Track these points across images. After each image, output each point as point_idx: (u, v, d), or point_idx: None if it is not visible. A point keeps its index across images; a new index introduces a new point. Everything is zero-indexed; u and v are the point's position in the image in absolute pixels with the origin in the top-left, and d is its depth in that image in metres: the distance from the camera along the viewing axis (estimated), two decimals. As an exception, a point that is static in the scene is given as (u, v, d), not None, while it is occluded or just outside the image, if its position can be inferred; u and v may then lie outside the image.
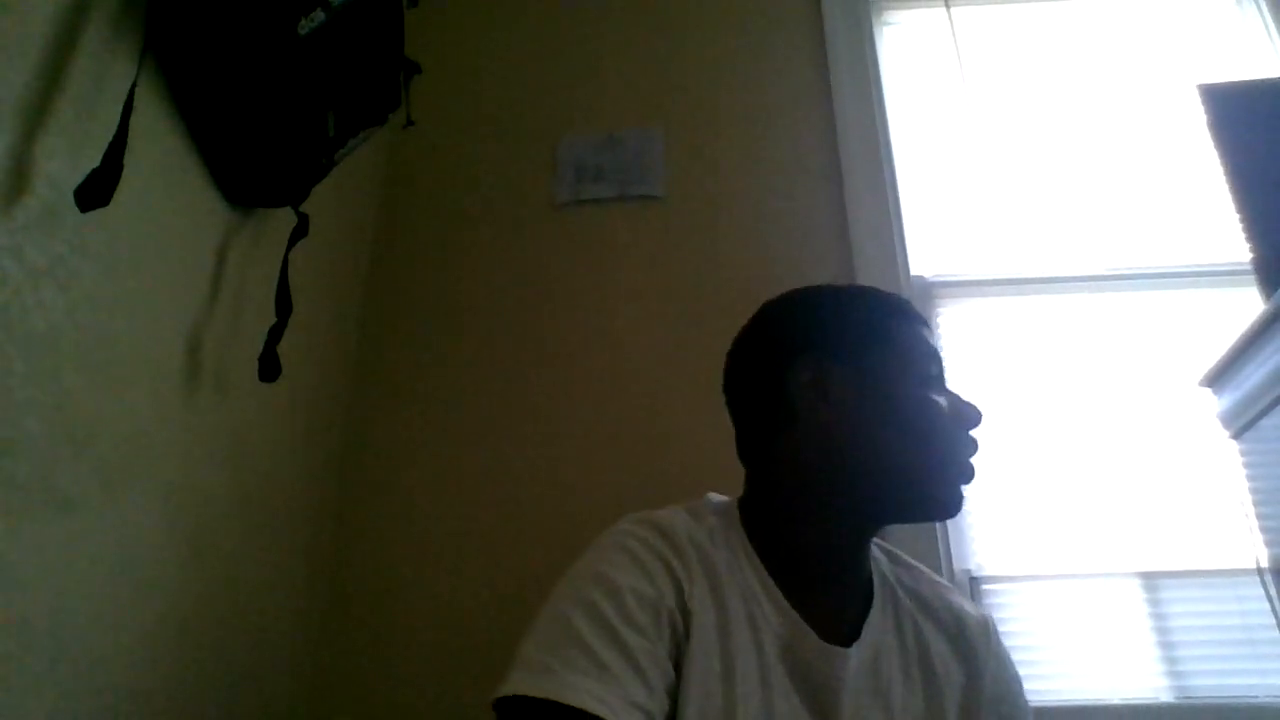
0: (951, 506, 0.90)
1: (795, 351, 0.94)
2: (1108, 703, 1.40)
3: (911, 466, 0.88)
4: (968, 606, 0.98)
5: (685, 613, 0.81)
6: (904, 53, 2.05)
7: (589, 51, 2.02)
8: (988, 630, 0.96)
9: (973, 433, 0.92)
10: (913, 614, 0.94)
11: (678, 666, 0.79)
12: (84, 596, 0.91)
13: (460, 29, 2.06)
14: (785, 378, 0.93)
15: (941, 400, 0.91)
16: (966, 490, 0.90)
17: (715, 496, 0.98)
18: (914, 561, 1.03)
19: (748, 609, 0.85)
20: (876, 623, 0.90)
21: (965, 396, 0.93)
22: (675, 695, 0.77)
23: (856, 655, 0.86)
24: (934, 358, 0.94)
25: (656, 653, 0.77)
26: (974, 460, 0.91)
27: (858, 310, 0.97)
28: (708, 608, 0.82)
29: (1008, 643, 1.45)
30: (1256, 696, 1.39)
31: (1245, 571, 1.43)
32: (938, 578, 1.01)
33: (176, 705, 1.08)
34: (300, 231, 1.27)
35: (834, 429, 0.90)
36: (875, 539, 1.00)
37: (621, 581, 0.79)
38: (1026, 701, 0.95)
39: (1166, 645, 1.45)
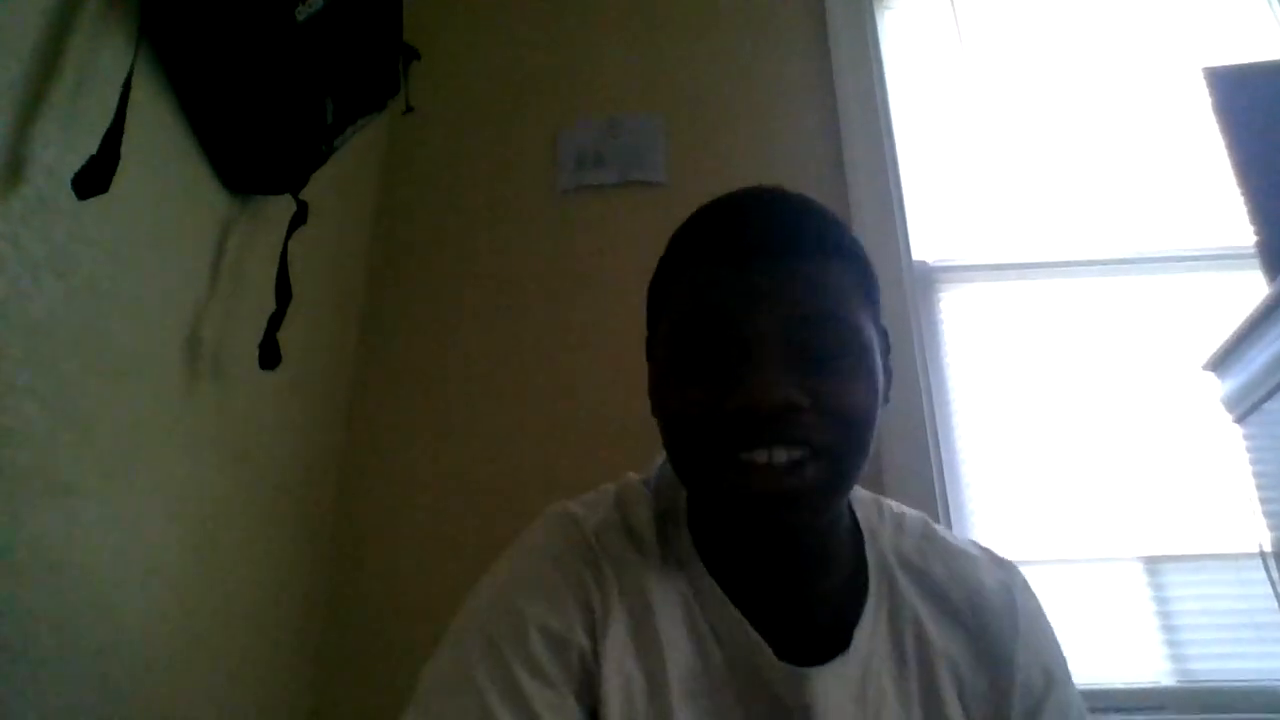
0: (743, 529, 0.71)
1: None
2: (1110, 686, 1.40)
3: (674, 457, 0.73)
4: (985, 579, 0.79)
5: (596, 654, 0.70)
6: (905, 36, 2.03)
7: (589, 37, 2.01)
8: (1013, 606, 0.78)
9: (743, 420, 0.65)
10: (916, 611, 0.76)
11: (595, 704, 0.69)
12: (84, 586, 0.91)
13: (459, 14, 2.05)
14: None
15: (698, 390, 0.68)
16: (764, 508, 0.66)
17: (669, 465, 0.80)
18: (918, 520, 0.84)
19: (692, 628, 0.73)
20: (868, 629, 0.74)
21: (749, 375, 0.65)
22: None
23: (840, 673, 0.71)
24: (703, 321, 0.68)
25: (561, 703, 0.67)
26: (759, 462, 0.65)
27: (671, 252, 0.77)
28: (628, 642, 0.71)
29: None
30: (1259, 680, 1.39)
31: (1248, 556, 1.42)
32: (956, 542, 0.83)
33: (178, 694, 1.08)
34: (300, 219, 1.26)
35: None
36: (873, 499, 0.85)
37: (529, 614, 0.70)
38: (1064, 671, 0.79)
39: (1169, 629, 1.45)
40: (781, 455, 0.64)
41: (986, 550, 0.84)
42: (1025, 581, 0.82)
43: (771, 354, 0.65)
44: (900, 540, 0.81)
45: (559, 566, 0.74)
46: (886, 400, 0.73)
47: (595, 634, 0.71)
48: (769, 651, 0.71)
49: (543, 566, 0.74)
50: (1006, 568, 0.82)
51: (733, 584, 0.74)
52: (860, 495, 0.84)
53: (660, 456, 0.83)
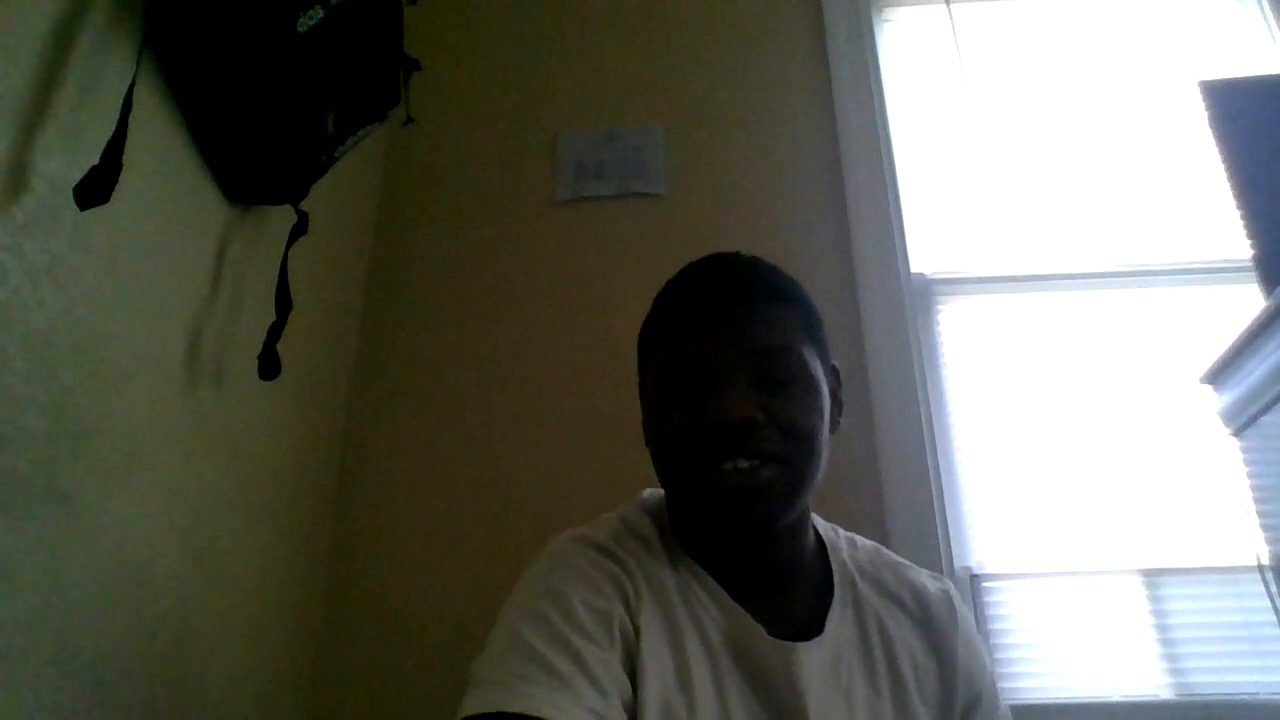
0: (721, 528, 0.84)
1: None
2: (1108, 700, 1.40)
3: (666, 472, 0.87)
4: (929, 584, 0.94)
5: (635, 626, 0.79)
6: (904, 49, 2.04)
7: (588, 49, 2.02)
8: (953, 609, 0.92)
9: (715, 439, 0.80)
10: (876, 607, 0.89)
11: (632, 680, 0.77)
12: (83, 593, 0.91)
13: (459, 25, 2.06)
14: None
15: (678, 415, 0.83)
16: (737, 504, 0.80)
17: (655, 492, 0.96)
18: (870, 542, 0.99)
19: (693, 613, 0.83)
20: (836, 619, 0.87)
21: (716, 401, 0.80)
22: (630, 706, 0.75)
23: (816, 652, 0.82)
24: (681, 360, 0.84)
25: (610, 660, 0.75)
26: (728, 468, 0.79)
27: (654, 308, 0.93)
28: (655, 619, 0.81)
29: (1006, 640, 1.47)
30: (1257, 694, 1.39)
31: (1246, 569, 1.42)
32: (894, 556, 0.97)
33: (177, 702, 1.08)
34: (300, 229, 1.27)
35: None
36: (829, 525, 0.98)
37: (570, 592, 0.78)
38: (992, 674, 0.93)
39: (1167, 643, 1.45)
40: (743, 464, 0.79)
41: (924, 569, 0.98)
42: (957, 593, 0.96)
43: (735, 380, 0.81)
44: (855, 553, 0.95)
45: (590, 560, 0.83)
46: (836, 427, 0.89)
47: (632, 611, 0.80)
48: (762, 630, 0.82)
49: (576, 560, 0.83)
50: (944, 580, 0.96)
51: (722, 577, 0.86)
52: (819, 521, 0.97)
53: (644, 493, 0.97)
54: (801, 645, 0.82)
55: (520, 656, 0.73)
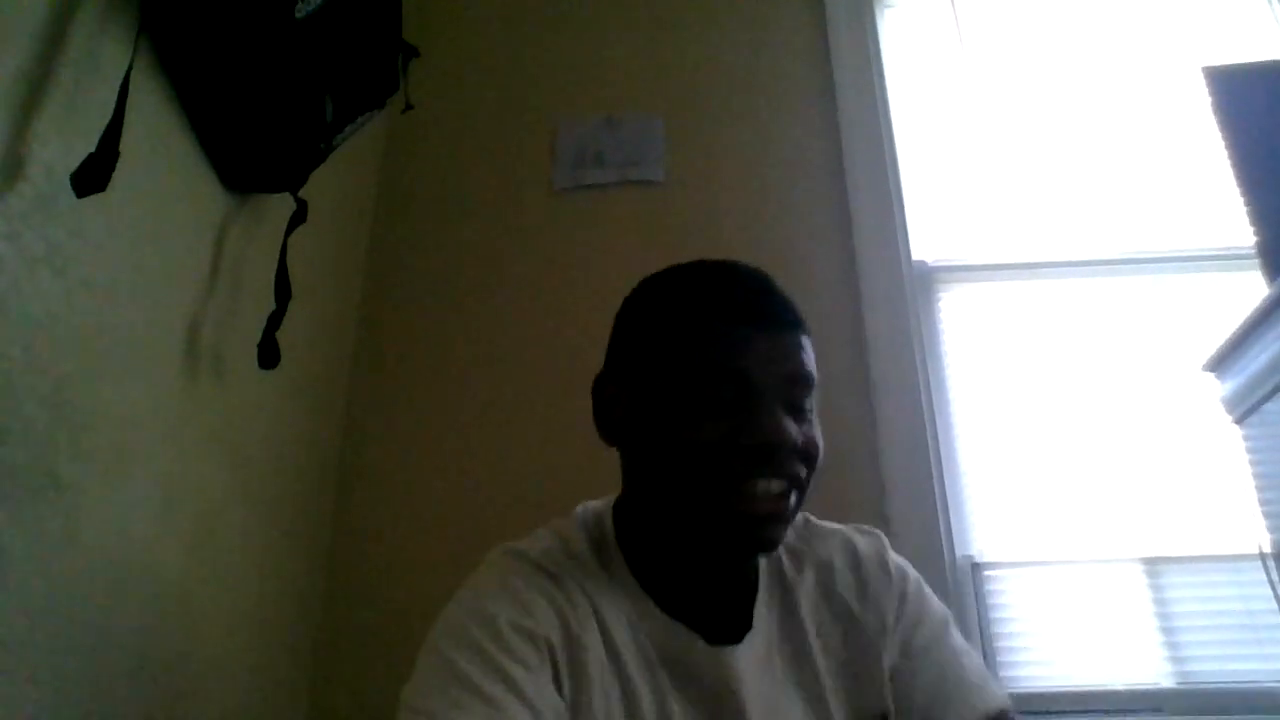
0: (733, 547, 0.82)
1: (606, 359, 0.94)
2: (1110, 688, 1.40)
3: (679, 480, 0.80)
4: (861, 546, 0.93)
5: (575, 645, 0.79)
6: (905, 35, 2.03)
7: (589, 37, 2.00)
8: (887, 566, 0.92)
9: (762, 460, 0.78)
10: (805, 582, 0.90)
11: (576, 707, 0.77)
12: (82, 583, 0.91)
13: (459, 11, 2.05)
14: (597, 386, 0.92)
15: (713, 426, 0.78)
16: (759, 528, 0.79)
17: (589, 506, 0.94)
18: (802, 518, 0.95)
19: (632, 631, 0.83)
20: (763, 613, 0.87)
21: (764, 419, 0.78)
22: None
23: (748, 649, 0.83)
24: (722, 373, 0.80)
25: (540, 680, 0.74)
26: (762, 490, 0.78)
27: (652, 316, 0.89)
28: (595, 639, 0.80)
29: (1007, 629, 1.47)
30: (1258, 681, 1.39)
31: (1248, 557, 1.42)
32: (829, 524, 0.96)
33: (175, 693, 1.08)
34: (299, 217, 1.26)
35: (625, 455, 0.89)
36: None
37: (499, 614, 0.77)
38: (942, 616, 0.92)
39: (1169, 630, 1.45)
40: (777, 486, 0.79)
41: (853, 526, 0.98)
42: (888, 544, 0.96)
43: (778, 403, 0.80)
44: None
45: (522, 577, 0.83)
46: None
47: (569, 630, 0.79)
48: (699, 640, 0.83)
49: (507, 579, 0.83)
50: (873, 535, 0.97)
51: (659, 591, 0.85)
52: None
53: (578, 509, 0.94)
54: (734, 650, 0.83)
55: (452, 684, 0.72)
